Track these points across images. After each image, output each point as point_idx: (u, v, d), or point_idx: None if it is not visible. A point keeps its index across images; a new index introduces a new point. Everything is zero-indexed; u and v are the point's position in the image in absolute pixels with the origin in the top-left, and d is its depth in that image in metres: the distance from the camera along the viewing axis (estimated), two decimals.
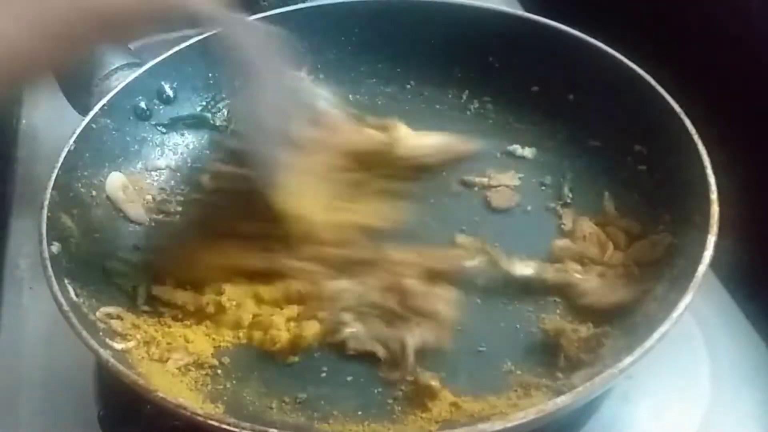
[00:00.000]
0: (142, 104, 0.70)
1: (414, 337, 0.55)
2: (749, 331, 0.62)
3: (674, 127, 0.60)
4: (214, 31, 0.58)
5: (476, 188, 0.68)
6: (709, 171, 0.56)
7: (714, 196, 0.54)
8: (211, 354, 0.56)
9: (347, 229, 0.60)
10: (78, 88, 0.69)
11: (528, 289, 0.59)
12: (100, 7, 0.46)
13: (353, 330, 0.56)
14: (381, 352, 0.55)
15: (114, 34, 0.51)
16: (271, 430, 0.44)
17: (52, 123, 0.82)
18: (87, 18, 0.45)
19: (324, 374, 0.56)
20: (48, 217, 0.57)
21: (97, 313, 0.55)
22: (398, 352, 0.55)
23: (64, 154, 0.61)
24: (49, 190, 0.59)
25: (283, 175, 0.58)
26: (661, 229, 0.60)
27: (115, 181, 0.66)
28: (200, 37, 0.72)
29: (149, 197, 0.68)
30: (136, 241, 0.65)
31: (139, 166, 0.70)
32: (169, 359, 0.54)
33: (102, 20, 0.46)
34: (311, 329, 0.56)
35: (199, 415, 0.45)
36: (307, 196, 0.59)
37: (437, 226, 0.64)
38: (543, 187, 0.68)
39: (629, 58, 0.65)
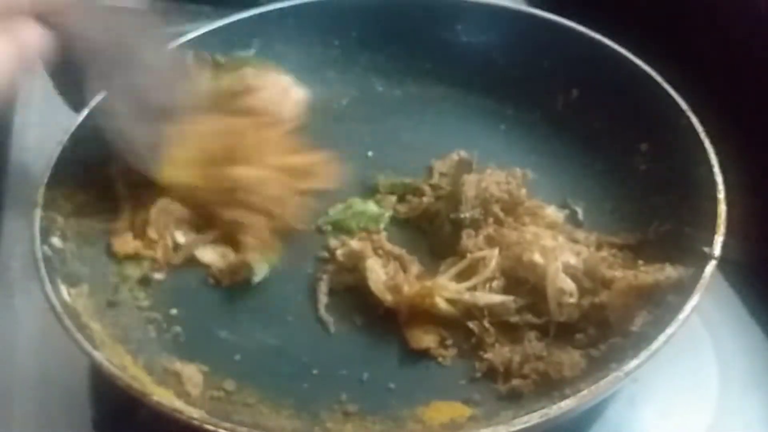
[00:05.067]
0: None
1: None
2: (757, 332, 0.62)
3: (681, 125, 0.60)
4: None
5: None
6: (717, 170, 0.56)
7: (721, 195, 0.54)
8: None
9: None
10: (72, 86, 0.68)
11: None
12: None
13: None
14: None
15: None
16: None
17: (45, 121, 0.81)
18: None
19: (316, 372, 0.55)
20: (41, 217, 0.56)
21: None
22: None
23: (57, 153, 0.61)
24: (42, 189, 0.58)
25: (160, 150, 0.58)
26: (667, 228, 0.59)
27: None
28: (194, 35, 0.71)
29: None
30: None
31: None
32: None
33: None
34: None
35: (195, 419, 0.45)
36: (186, 164, 0.60)
37: None
38: None
39: (636, 55, 0.65)
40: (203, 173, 0.61)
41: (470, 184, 0.60)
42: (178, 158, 0.59)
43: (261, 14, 0.73)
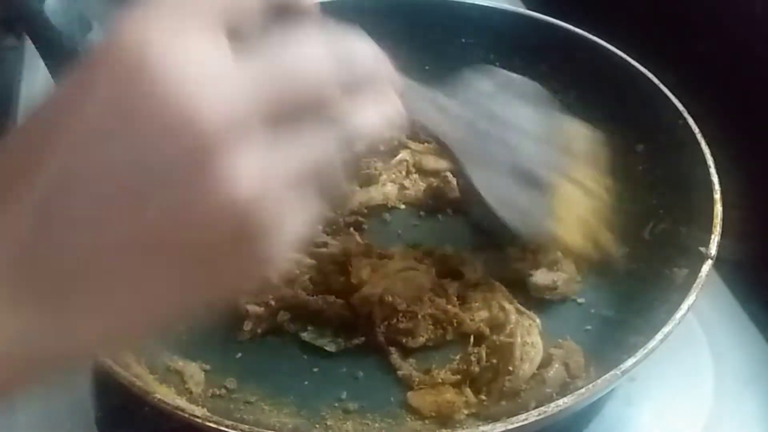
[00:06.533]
0: None
1: None
2: (753, 331, 0.62)
3: (678, 126, 0.60)
4: None
5: None
6: (713, 170, 0.56)
7: (717, 195, 0.54)
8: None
9: None
10: None
11: None
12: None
13: None
14: None
15: None
16: None
17: None
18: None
19: (316, 369, 0.55)
20: None
21: None
22: None
23: None
24: None
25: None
26: (663, 228, 0.59)
27: None
28: None
29: None
30: None
31: None
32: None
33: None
34: None
35: (198, 417, 0.45)
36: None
37: None
38: None
39: (632, 57, 0.65)
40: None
41: None
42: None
43: None
